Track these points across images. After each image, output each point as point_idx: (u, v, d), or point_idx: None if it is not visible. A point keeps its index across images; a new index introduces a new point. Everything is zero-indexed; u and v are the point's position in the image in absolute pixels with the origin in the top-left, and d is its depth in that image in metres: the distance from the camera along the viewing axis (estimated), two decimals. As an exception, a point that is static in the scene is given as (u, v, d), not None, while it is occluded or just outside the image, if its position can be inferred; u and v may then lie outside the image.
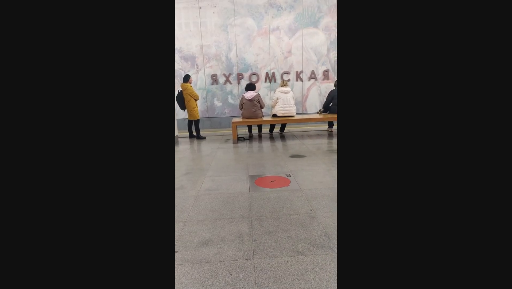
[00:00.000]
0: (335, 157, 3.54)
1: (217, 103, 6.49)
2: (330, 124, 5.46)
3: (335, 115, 4.92)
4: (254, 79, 6.38)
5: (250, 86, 4.93)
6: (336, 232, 1.72)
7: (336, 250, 1.54)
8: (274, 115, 4.95)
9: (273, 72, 6.43)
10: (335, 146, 4.18)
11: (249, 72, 6.37)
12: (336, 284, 1.27)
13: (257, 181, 2.74)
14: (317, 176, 2.82)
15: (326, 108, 5.12)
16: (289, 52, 6.36)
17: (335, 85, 5.14)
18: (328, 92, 5.32)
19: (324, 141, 4.58)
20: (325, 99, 5.29)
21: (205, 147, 4.54)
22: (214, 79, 6.34)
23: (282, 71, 6.44)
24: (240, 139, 4.87)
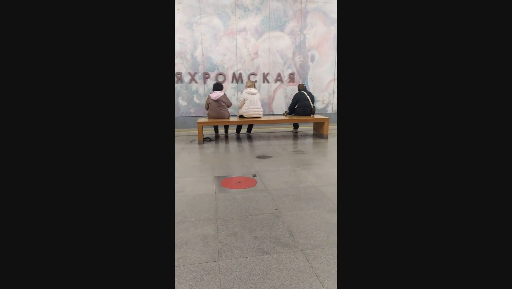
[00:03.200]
0: (300, 157, 3.66)
1: (182, 102, 6.29)
2: (296, 125, 5.63)
3: (300, 117, 5.09)
4: (221, 79, 6.32)
5: (217, 86, 4.87)
6: (299, 230, 1.78)
7: (300, 247, 1.59)
8: (241, 116, 4.96)
9: (240, 73, 6.44)
10: (300, 147, 4.32)
11: (216, 72, 6.30)
12: (300, 281, 1.31)
13: (223, 182, 2.71)
14: (282, 176, 2.88)
15: (291, 110, 5.27)
16: (256, 54, 6.42)
17: (299, 89, 5.31)
18: (293, 95, 5.48)
19: (290, 142, 4.71)
20: (290, 102, 5.44)
21: (169, 147, 4.36)
22: (179, 77, 6.14)
23: (249, 72, 6.47)
24: (206, 140, 4.78)
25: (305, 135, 5.34)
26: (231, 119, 4.93)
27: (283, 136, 5.25)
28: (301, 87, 5.29)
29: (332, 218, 1.94)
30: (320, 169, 3.14)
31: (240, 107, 4.98)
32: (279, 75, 6.61)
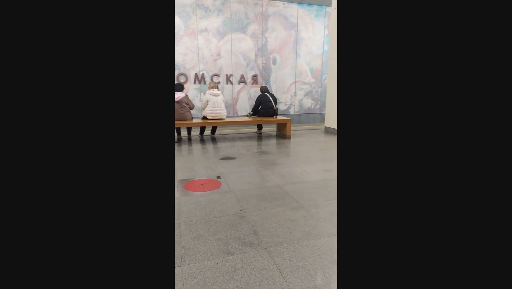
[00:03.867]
0: (264, 157, 3.72)
1: (141, 104, 5.98)
2: (259, 127, 5.71)
3: (264, 119, 5.18)
4: (182, 79, 6.15)
5: (178, 87, 4.72)
6: (264, 229, 1.81)
7: (264, 245, 1.62)
8: (204, 118, 4.88)
9: (203, 74, 6.34)
10: (264, 147, 4.39)
11: (177, 72, 6.11)
12: (264, 278, 1.33)
13: (186, 185, 2.64)
14: (247, 176, 2.90)
15: (255, 112, 5.34)
16: (218, 55, 6.38)
17: (261, 90, 5.40)
18: (256, 97, 5.56)
19: (254, 143, 4.76)
20: (254, 103, 5.51)
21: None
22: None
23: (211, 73, 6.40)
24: (168, 142, 4.60)
25: (269, 136, 5.44)
26: (194, 121, 4.82)
27: (247, 137, 5.29)
28: (264, 89, 5.39)
29: (294, 215, 2.02)
30: (283, 168, 3.23)
31: (203, 108, 4.90)
32: (242, 76, 6.65)
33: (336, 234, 1.75)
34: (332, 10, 5.45)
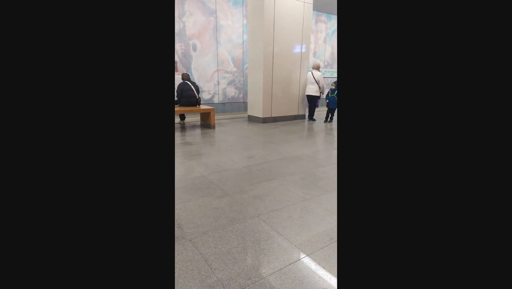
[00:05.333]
0: (188, 148, 3.61)
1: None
2: (182, 117, 5.47)
3: (186, 108, 4.98)
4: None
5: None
6: (188, 221, 1.79)
7: (188, 237, 1.60)
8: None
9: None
10: (188, 138, 4.25)
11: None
12: (188, 269, 1.33)
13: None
14: (169, 169, 2.77)
15: (176, 101, 5.07)
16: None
17: (182, 78, 5.15)
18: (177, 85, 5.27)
19: (177, 134, 4.55)
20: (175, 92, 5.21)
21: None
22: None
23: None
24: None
25: (192, 126, 5.29)
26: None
27: (170, 128, 5.00)
28: (185, 77, 5.15)
29: (219, 203, 2.06)
30: (208, 158, 3.22)
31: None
32: (160, 63, 6.15)
33: (258, 216, 1.87)
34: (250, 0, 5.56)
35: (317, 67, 5.92)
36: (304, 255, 1.46)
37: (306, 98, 6.21)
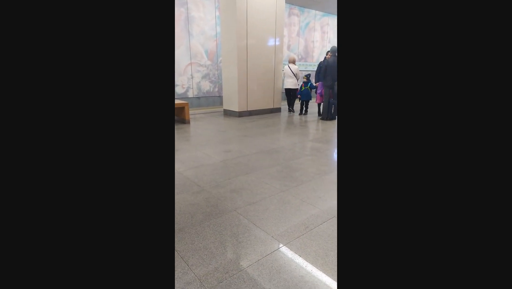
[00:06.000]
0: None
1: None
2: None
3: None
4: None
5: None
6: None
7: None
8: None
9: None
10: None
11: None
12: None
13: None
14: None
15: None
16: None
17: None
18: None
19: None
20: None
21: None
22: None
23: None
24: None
25: (166, 122, 5.12)
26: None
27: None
28: (156, 71, 4.94)
29: (196, 199, 2.02)
30: (183, 154, 3.14)
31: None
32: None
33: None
34: (221, -9, 5.43)
35: (293, 61, 6.08)
36: (281, 245, 1.48)
37: (284, 91, 6.30)
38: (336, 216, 1.80)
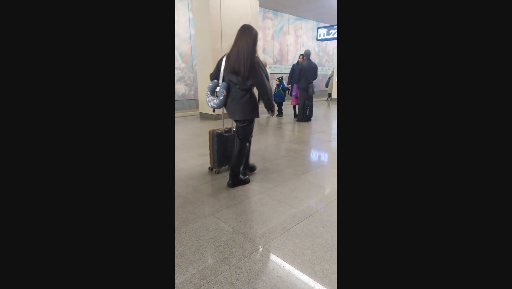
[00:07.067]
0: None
1: None
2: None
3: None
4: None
5: None
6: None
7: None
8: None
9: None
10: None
11: None
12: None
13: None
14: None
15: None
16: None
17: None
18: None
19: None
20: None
21: None
22: None
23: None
24: None
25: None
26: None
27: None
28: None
29: (171, 205, 1.96)
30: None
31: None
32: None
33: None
34: (194, -7, 5.37)
35: (264, 65, 6.22)
36: (259, 247, 1.49)
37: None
38: (312, 215, 1.84)
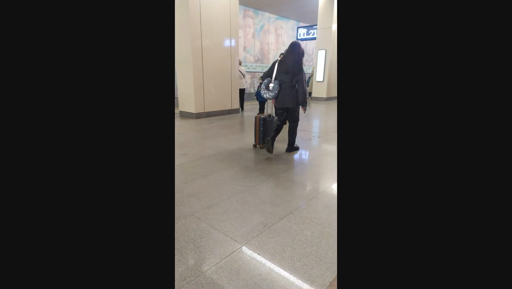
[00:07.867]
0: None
1: None
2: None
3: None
4: None
5: None
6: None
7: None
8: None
9: None
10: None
11: None
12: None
13: None
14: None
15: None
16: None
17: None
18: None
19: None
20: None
21: None
22: None
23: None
24: None
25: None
26: None
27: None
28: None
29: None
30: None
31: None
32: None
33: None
34: (172, -11, 5.24)
35: (239, 63, 6.56)
36: (239, 246, 1.49)
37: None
38: (293, 212, 1.87)
